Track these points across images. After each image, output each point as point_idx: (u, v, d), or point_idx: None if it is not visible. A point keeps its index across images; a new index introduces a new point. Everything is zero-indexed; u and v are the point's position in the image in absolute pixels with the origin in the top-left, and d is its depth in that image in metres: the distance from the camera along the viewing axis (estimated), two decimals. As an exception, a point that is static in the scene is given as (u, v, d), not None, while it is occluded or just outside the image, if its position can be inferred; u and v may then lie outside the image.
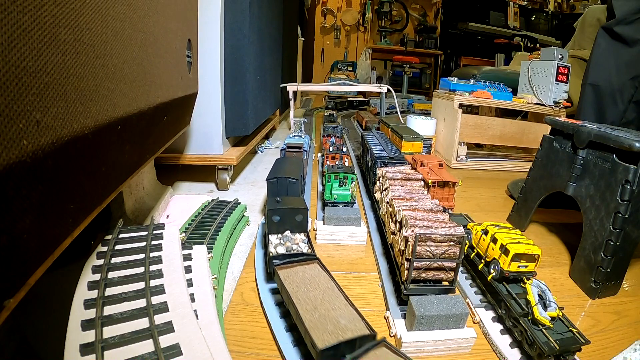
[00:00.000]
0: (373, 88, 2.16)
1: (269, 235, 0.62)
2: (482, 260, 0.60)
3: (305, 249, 0.60)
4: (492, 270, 0.57)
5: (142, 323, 0.40)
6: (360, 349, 0.37)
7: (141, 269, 0.48)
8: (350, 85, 2.15)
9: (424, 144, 1.14)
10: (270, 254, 0.57)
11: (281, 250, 0.58)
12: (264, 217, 0.70)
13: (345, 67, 3.20)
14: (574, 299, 0.67)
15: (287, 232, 0.63)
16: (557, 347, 0.44)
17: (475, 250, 0.63)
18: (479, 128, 1.57)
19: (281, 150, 1.07)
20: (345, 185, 0.86)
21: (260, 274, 0.64)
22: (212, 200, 0.87)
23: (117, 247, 0.53)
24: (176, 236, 0.58)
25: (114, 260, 0.50)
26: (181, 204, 0.86)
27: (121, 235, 0.55)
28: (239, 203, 0.86)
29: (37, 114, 0.26)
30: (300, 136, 1.17)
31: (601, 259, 0.66)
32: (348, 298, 0.46)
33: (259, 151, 1.57)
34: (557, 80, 1.49)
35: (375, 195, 0.83)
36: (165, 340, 0.38)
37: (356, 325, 0.41)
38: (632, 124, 1.02)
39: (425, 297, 0.51)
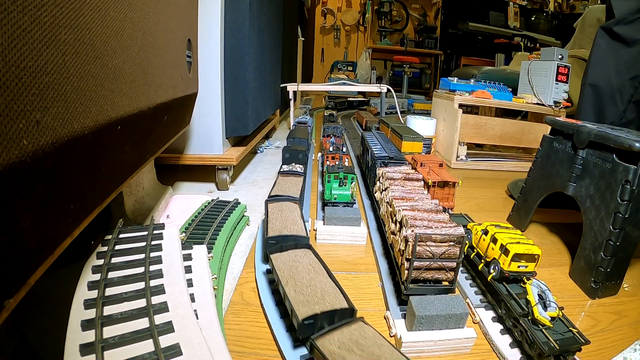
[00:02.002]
0: (373, 88, 2.16)
1: (283, 166, 1.00)
2: (482, 260, 0.60)
3: (300, 170, 0.97)
4: (492, 270, 0.57)
5: (142, 323, 0.40)
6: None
7: (141, 269, 0.48)
8: (350, 85, 2.14)
9: (424, 144, 1.14)
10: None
11: (286, 169, 0.96)
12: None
13: (345, 67, 3.19)
14: (574, 299, 0.67)
15: (293, 163, 1.03)
16: (557, 347, 0.44)
17: (475, 250, 0.63)
18: (479, 128, 1.57)
19: (293, 125, 1.56)
20: (345, 185, 0.86)
21: (260, 274, 0.64)
22: (212, 200, 0.87)
23: (117, 247, 0.53)
24: (176, 236, 0.58)
25: (114, 260, 0.50)
26: (181, 204, 0.86)
27: (121, 235, 0.55)
28: (239, 203, 0.86)
29: (37, 114, 0.26)
30: (306, 117, 1.69)
31: (601, 259, 0.66)
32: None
33: (259, 151, 1.57)
34: (557, 80, 1.48)
35: (375, 195, 0.83)
36: (165, 340, 0.38)
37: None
38: (632, 124, 1.01)
39: (425, 297, 0.51)
